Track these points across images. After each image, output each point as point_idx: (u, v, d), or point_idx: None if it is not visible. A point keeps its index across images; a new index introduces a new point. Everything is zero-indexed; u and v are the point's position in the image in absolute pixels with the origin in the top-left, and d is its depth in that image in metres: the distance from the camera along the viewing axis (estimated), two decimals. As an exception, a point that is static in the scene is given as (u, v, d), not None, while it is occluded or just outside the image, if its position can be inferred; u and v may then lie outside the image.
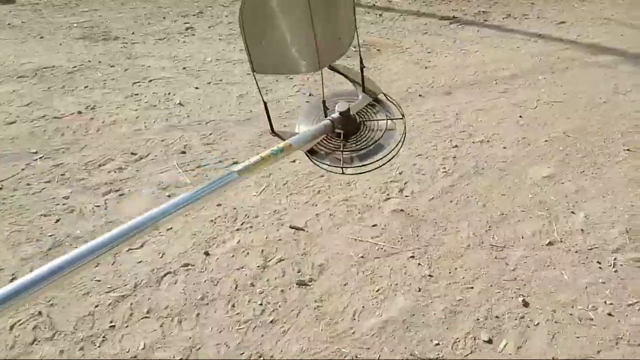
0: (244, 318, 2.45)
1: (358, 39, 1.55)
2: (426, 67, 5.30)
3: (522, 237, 2.98)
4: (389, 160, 1.47)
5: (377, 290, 2.60)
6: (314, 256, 2.82)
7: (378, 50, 5.72)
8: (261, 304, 2.52)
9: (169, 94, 4.55)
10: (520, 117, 4.37)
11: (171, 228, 2.99)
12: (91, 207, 3.13)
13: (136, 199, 3.21)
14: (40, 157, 3.56)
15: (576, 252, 2.88)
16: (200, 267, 2.73)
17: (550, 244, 2.93)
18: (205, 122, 4.12)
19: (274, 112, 4.18)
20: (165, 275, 2.68)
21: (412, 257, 2.81)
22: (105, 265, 2.73)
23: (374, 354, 2.29)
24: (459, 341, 2.36)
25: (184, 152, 3.70)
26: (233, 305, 2.51)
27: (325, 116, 1.56)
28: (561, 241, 2.96)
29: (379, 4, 7.44)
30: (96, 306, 2.50)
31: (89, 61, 5.10)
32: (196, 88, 4.69)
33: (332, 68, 1.68)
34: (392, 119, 1.55)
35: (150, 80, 4.78)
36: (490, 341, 2.36)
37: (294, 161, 3.63)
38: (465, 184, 3.43)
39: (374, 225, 3.02)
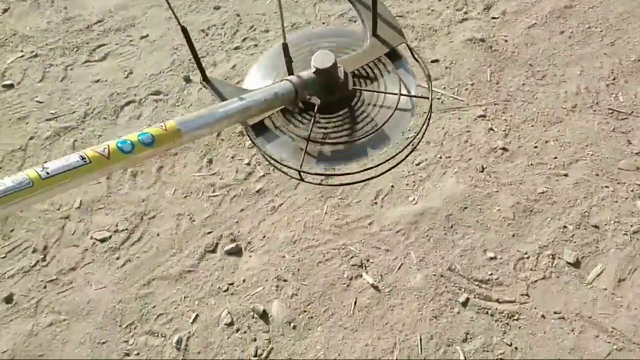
0: (222, 182, 1.74)
1: None
2: None
3: (661, 102, 1.92)
4: (391, 168, 0.84)
5: (418, 164, 1.75)
6: (337, 98, 1.95)
7: None
8: (249, 164, 1.78)
9: None
10: None
11: (147, 35, 2.15)
12: (47, -6, 2.29)
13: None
14: None
15: None
16: (176, 99, 1.95)
17: None
18: None
19: None
20: (126, 104, 1.94)
21: (483, 116, 1.87)
22: (52, 81, 2.01)
23: (393, 260, 1.56)
24: (527, 257, 1.56)
25: None
26: (210, 161, 1.79)
27: (290, 73, 0.88)
28: None
29: None
30: (31, 138, 1.85)
31: None
32: None
33: None
34: (410, 95, 0.88)
35: None
36: (576, 264, 1.55)
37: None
38: (589, 6, 2.23)
39: (434, 61, 2.03)
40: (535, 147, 1.80)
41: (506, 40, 2.09)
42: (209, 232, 1.63)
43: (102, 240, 1.61)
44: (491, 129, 1.84)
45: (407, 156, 0.92)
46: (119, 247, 1.60)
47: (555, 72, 2.00)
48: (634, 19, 2.20)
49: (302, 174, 0.82)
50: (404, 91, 0.90)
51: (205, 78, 0.91)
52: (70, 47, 2.11)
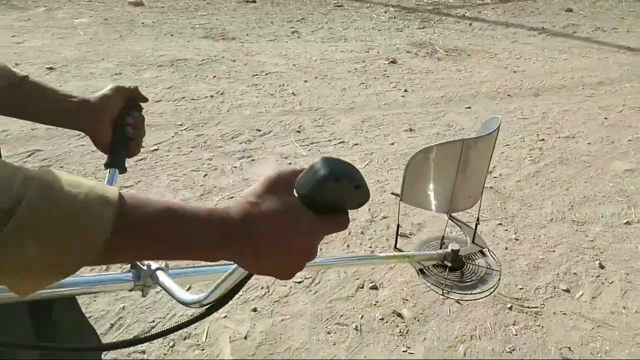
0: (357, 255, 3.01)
1: (481, 201, 1.90)
2: (515, 71, 5.69)
3: (602, 217, 3.34)
4: (485, 297, 1.83)
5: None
6: (412, 217, 3.34)
7: (468, 55, 6.17)
8: (370, 247, 3.08)
9: (283, 85, 5.26)
10: (605, 118, 4.66)
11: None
12: (230, 167, 3.84)
13: (264, 163, 3.88)
14: (185, 128, 4.34)
15: (652, 231, 3.21)
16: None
17: (627, 223, 3.27)
18: (315, 109, 4.77)
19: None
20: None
21: (500, 224, 3.26)
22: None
23: (466, 291, 2.77)
24: (540, 288, 2.78)
25: (299, 131, 4.36)
26: (348, 246, 3.09)
27: (441, 248, 1.90)
28: (638, 222, 3.29)
29: (469, 14, 7.87)
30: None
31: (214, 56, 5.95)
32: (305, 82, 5.38)
33: (452, 218, 2.04)
34: (491, 268, 1.83)
35: (267, 74, 5.53)
36: (568, 290, 2.77)
37: (392, 143, 4.18)
38: (550, 171, 3.82)
39: (465, 197, 3.50)
40: (534, 238, 3.14)
41: (505, 188, 3.60)
42: (357, 279, 2.84)
43: None
44: (506, 229, 3.21)
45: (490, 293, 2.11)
46: (309, 286, 2.79)
47: (537, 203, 3.46)
48: (578, 178, 3.77)
49: (444, 293, 1.82)
50: (488, 263, 2.00)
51: (395, 247, 2.24)
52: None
